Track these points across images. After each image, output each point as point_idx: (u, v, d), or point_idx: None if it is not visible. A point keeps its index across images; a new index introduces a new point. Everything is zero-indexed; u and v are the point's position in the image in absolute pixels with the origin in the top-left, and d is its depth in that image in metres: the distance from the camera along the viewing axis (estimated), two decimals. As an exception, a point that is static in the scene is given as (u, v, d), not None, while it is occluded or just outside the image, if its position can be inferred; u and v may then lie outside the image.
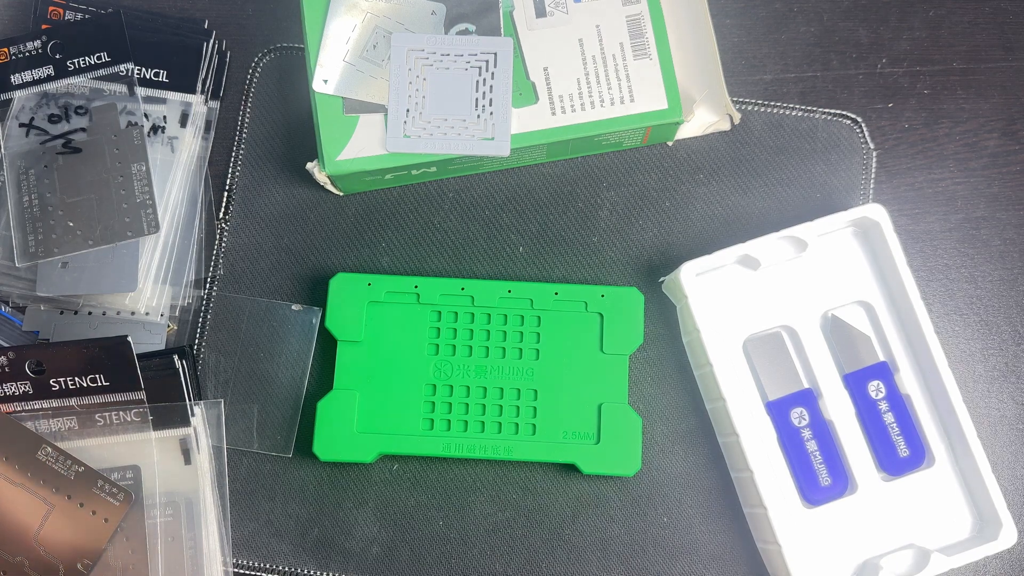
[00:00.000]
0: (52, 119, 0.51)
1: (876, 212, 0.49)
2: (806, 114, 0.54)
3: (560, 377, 0.50)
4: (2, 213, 0.51)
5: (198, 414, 0.49)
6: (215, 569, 0.48)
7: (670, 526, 0.50)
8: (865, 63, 0.55)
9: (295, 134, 0.54)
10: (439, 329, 0.50)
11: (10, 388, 0.48)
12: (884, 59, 0.55)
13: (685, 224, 0.53)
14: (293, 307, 0.52)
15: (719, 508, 0.50)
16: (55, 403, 0.48)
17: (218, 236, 0.53)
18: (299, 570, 0.50)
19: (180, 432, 0.49)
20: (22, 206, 0.50)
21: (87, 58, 0.52)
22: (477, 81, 0.50)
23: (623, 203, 0.53)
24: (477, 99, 0.49)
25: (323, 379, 0.51)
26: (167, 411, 0.49)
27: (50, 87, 0.51)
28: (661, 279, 0.51)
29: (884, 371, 0.49)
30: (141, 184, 0.51)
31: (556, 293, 0.50)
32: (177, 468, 0.48)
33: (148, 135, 0.52)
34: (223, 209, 0.53)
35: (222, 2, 0.56)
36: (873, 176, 0.54)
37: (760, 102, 0.54)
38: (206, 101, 0.53)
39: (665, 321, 0.52)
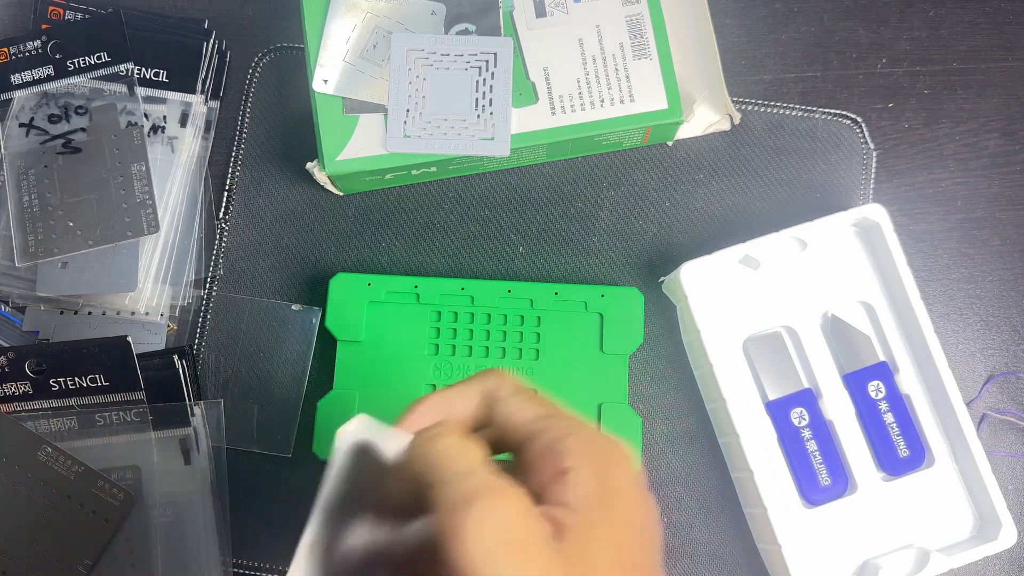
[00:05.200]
0: (52, 119, 0.51)
1: (876, 212, 0.49)
2: (806, 114, 0.54)
3: (560, 377, 0.50)
4: (2, 213, 0.51)
5: (198, 414, 0.49)
6: (215, 569, 0.48)
7: (670, 526, 0.50)
8: (865, 63, 0.55)
9: (295, 134, 0.54)
10: (439, 329, 0.50)
11: (10, 388, 0.48)
12: (884, 59, 0.55)
13: (685, 224, 0.53)
14: (293, 307, 0.52)
15: (719, 508, 0.50)
16: (55, 403, 0.48)
17: (218, 236, 0.53)
18: (299, 570, 0.50)
19: (180, 432, 0.49)
20: (22, 206, 0.50)
21: (87, 58, 0.52)
22: (477, 81, 0.50)
23: (623, 203, 0.53)
24: (477, 99, 0.49)
25: (323, 379, 0.51)
26: (167, 411, 0.48)
27: (50, 87, 0.51)
28: (661, 279, 0.51)
29: (884, 371, 0.49)
30: (141, 184, 0.51)
31: (556, 293, 0.50)
32: (177, 468, 0.48)
33: (148, 135, 0.52)
34: (223, 209, 0.53)
35: (222, 2, 0.56)
36: (873, 176, 0.54)
37: (760, 102, 0.54)
38: (206, 101, 0.53)
39: (665, 321, 0.52)
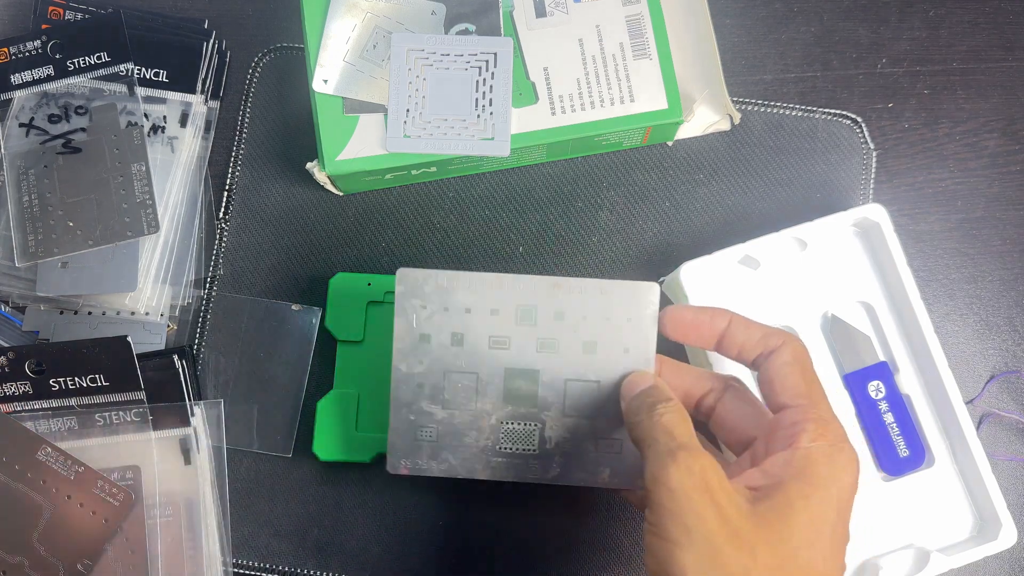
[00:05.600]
0: (52, 119, 0.51)
1: (876, 212, 0.49)
2: (806, 114, 0.54)
3: (560, 377, 0.50)
4: (2, 213, 0.51)
5: (198, 414, 0.49)
6: (215, 569, 0.48)
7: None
8: (865, 63, 0.55)
9: (295, 134, 0.54)
10: (439, 329, 0.50)
11: (10, 388, 0.48)
12: (884, 59, 0.55)
13: (685, 224, 0.53)
14: (293, 307, 0.52)
15: (719, 508, 0.50)
16: (55, 403, 0.48)
17: (218, 236, 0.53)
18: (299, 570, 0.50)
19: (180, 432, 0.49)
20: (22, 206, 0.50)
21: (87, 58, 0.52)
22: (477, 81, 0.50)
23: (623, 203, 0.53)
24: (477, 99, 0.49)
25: (323, 379, 0.51)
26: (167, 411, 0.49)
27: (50, 87, 0.51)
28: (661, 279, 0.51)
29: (884, 371, 0.49)
30: (141, 184, 0.51)
31: (556, 293, 0.51)
32: (177, 468, 0.48)
33: (148, 135, 0.52)
34: (223, 209, 0.53)
35: (222, 2, 0.56)
36: (873, 176, 0.54)
37: (760, 102, 0.54)
38: (206, 101, 0.53)
39: (665, 321, 0.52)
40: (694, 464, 0.34)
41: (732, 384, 0.41)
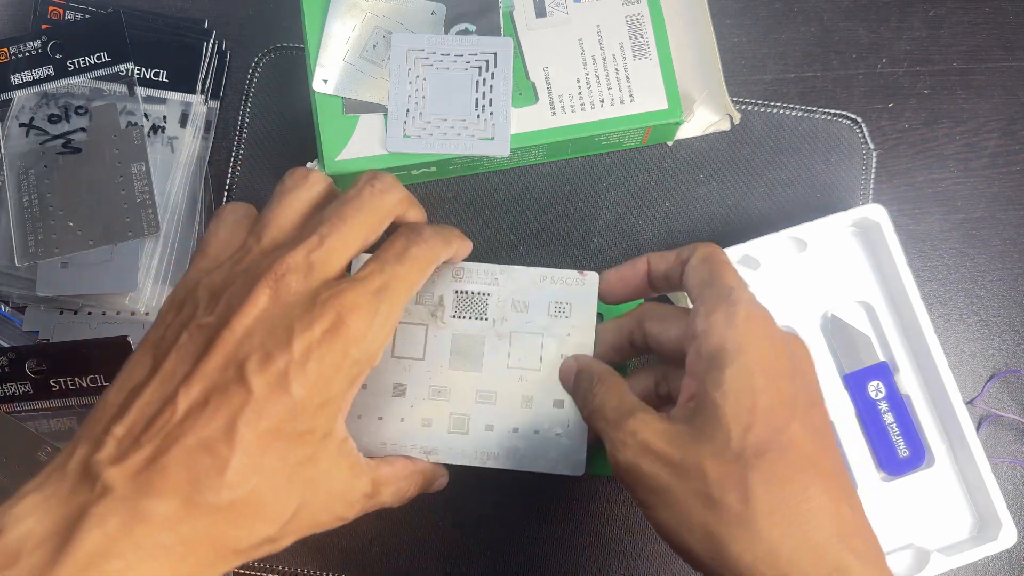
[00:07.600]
0: (52, 119, 0.51)
1: (876, 212, 0.49)
2: (806, 114, 0.54)
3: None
4: (2, 213, 0.51)
5: (198, 414, 0.49)
6: (215, 569, 0.48)
7: (670, 526, 0.50)
8: (865, 63, 0.55)
9: (295, 134, 0.54)
10: (439, 329, 0.51)
11: (10, 388, 0.48)
12: (884, 59, 0.55)
13: (685, 224, 0.53)
14: (293, 307, 0.52)
15: (719, 508, 0.50)
16: (55, 403, 0.48)
17: (218, 236, 0.53)
18: (299, 570, 0.50)
19: (180, 432, 0.48)
20: (22, 206, 0.50)
21: (87, 58, 0.52)
22: (477, 81, 0.50)
23: (623, 203, 0.53)
24: (477, 99, 0.49)
25: (323, 379, 0.51)
26: (167, 411, 0.48)
27: (50, 87, 0.51)
28: (661, 279, 0.51)
29: (884, 371, 0.49)
30: (141, 184, 0.51)
31: (556, 293, 0.51)
32: (177, 468, 0.48)
33: (148, 135, 0.52)
34: (223, 209, 0.53)
35: (222, 2, 0.56)
36: (873, 176, 0.54)
37: (760, 102, 0.54)
38: (206, 101, 0.53)
39: (665, 321, 0.52)
40: (626, 437, 0.35)
41: (644, 309, 0.40)
